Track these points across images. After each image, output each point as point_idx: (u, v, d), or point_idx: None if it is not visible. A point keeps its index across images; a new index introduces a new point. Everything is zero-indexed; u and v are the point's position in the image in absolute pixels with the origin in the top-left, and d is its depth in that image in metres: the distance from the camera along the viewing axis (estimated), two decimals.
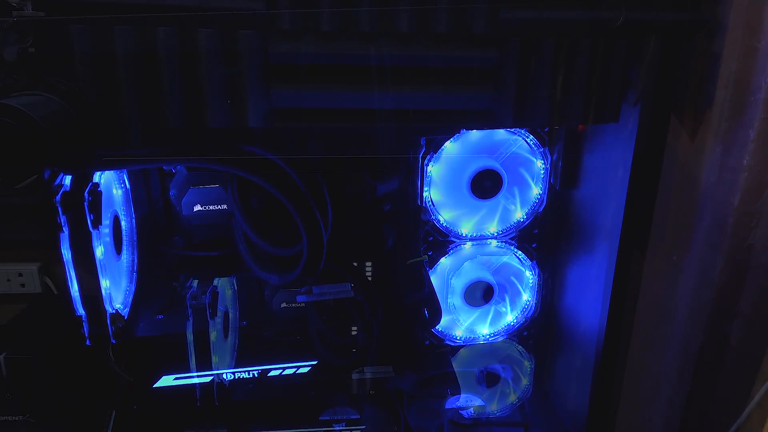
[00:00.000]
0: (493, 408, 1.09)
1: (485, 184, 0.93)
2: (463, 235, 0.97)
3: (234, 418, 0.92)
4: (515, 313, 1.04)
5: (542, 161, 0.95)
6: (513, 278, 1.03)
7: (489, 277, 1.01)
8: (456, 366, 1.01)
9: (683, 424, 1.03)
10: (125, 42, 0.99)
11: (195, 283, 0.84)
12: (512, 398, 1.09)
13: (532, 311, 1.03)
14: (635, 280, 0.80)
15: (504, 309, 1.05)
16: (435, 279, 0.99)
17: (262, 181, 0.84)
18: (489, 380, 1.04)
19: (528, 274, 1.02)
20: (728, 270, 1.09)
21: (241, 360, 1.04)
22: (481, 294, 1.01)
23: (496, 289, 1.02)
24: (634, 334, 0.90)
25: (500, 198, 0.96)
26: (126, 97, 1.08)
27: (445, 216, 0.95)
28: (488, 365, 1.03)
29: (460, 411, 1.08)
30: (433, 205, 0.94)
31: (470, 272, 1.01)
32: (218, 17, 1.01)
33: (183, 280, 0.85)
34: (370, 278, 1.02)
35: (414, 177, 0.92)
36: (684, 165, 1.20)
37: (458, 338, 1.04)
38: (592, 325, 0.86)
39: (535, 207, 0.97)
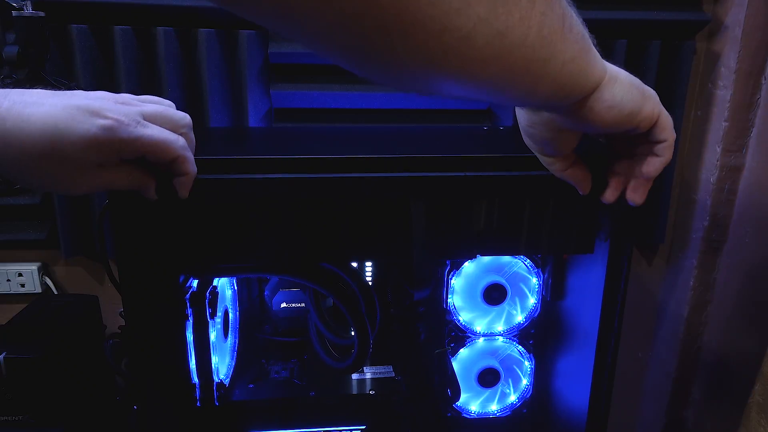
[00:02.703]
0: (493, 408, 1.08)
1: (494, 294, 1.00)
2: (477, 332, 1.03)
3: (234, 418, 0.88)
4: (516, 394, 1.08)
5: (536, 278, 1.01)
6: (515, 367, 1.07)
7: (497, 366, 1.06)
8: (456, 367, 0.99)
9: None
10: (125, 42, 0.95)
11: (195, 283, 0.79)
12: (512, 398, 1.07)
13: (529, 392, 1.08)
14: (610, 370, 0.84)
15: (508, 390, 1.09)
16: (456, 365, 1.03)
17: (328, 290, 0.92)
18: (489, 380, 1.02)
19: (526, 363, 1.06)
20: (682, 366, 1.25)
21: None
22: (492, 378, 1.06)
23: (502, 374, 1.07)
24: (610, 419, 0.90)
25: (505, 305, 1.02)
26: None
27: (463, 317, 1.01)
28: (488, 365, 1.02)
29: (460, 411, 1.05)
30: (455, 309, 1.00)
31: (484, 361, 1.06)
32: (218, 17, 0.97)
33: (183, 280, 0.76)
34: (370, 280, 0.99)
35: (441, 288, 0.99)
36: (645, 285, 1.30)
37: (473, 412, 1.07)
38: (580, 405, 0.90)
39: (531, 313, 1.03)
